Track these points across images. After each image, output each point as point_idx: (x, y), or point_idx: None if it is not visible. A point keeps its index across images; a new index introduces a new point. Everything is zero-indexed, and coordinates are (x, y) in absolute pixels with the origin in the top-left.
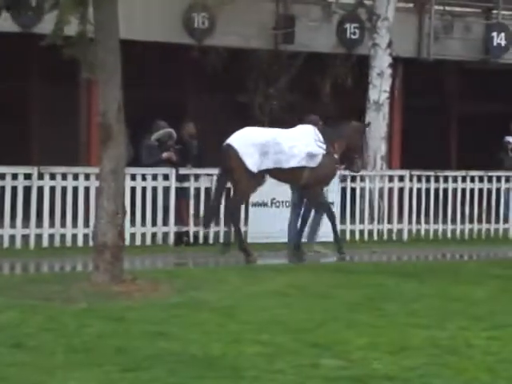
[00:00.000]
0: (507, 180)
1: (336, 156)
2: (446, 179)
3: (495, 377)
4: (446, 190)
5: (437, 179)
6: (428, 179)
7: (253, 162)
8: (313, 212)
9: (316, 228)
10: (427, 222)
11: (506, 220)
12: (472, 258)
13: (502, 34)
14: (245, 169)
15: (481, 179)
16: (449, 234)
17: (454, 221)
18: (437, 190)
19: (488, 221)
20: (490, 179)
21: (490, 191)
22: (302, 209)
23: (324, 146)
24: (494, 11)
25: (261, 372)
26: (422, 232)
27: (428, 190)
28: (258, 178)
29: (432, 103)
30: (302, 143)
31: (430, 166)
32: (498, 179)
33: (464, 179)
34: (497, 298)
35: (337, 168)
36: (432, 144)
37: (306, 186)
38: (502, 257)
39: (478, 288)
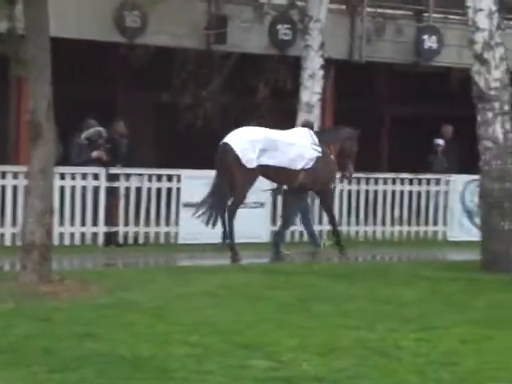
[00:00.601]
0: (437, 183)
1: (332, 157)
2: (376, 181)
3: (424, 378)
4: (376, 192)
5: (367, 181)
6: (359, 181)
7: (250, 159)
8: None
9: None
10: (358, 223)
11: (435, 222)
12: (402, 259)
13: (434, 37)
14: (241, 166)
15: (411, 182)
16: (379, 236)
17: (384, 223)
18: (367, 192)
19: (418, 223)
20: (419, 182)
21: (419, 194)
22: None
23: (319, 149)
24: (426, 14)
25: (190, 373)
26: (352, 234)
27: (358, 192)
28: (255, 175)
29: (364, 105)
30: (299, 145)
31: (361, 167)
32: (428, 182)
33: (394, 181)
34: (426, 299)
35: (335, 169)
36: (363, 146)
37: (300, 187)
38: (432, 259)
39: (408, 290)
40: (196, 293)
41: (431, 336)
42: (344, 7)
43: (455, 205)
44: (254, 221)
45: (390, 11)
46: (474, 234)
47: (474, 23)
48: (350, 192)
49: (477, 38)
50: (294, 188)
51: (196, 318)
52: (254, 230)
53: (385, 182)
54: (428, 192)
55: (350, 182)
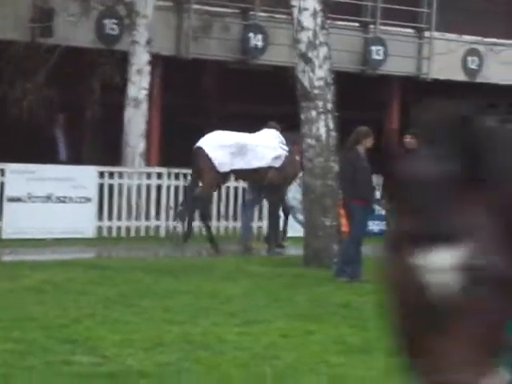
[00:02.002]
0: None
1: (297, 157)
2: None
3: (247, 372)
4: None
5: None
6: (186, 177)
7: (222, 163)
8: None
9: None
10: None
11: (260, 218)
12: (227, 254)
13: (259, 36)
14: (212, 168)
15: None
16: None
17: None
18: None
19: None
20: None
21: (244, 190)
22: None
23: (287, 149)
24: (252, 12)
25: (11, 369)
26: (180, 229)
27: (185, 188)
28: (225, 178)
29: (192, 102)
30: (268, 146)
31: (189, 163)
32: None
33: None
34: (250, 294)
35: (299, 168)
36: (191, 142)
37: (269, 184)
38: (256, 254)
39: (232, 285)
40: (19, 289)
41: (254, 330)
42: (171, 4)
43: None
44: (79, 216)
45: (216, 9)
46: (298, 230)
47: (299, 22)
48: (177, 188)
49: (301, 37)
50: (265, 185)
51: (19, 314)
52: (80, 225)
53: None
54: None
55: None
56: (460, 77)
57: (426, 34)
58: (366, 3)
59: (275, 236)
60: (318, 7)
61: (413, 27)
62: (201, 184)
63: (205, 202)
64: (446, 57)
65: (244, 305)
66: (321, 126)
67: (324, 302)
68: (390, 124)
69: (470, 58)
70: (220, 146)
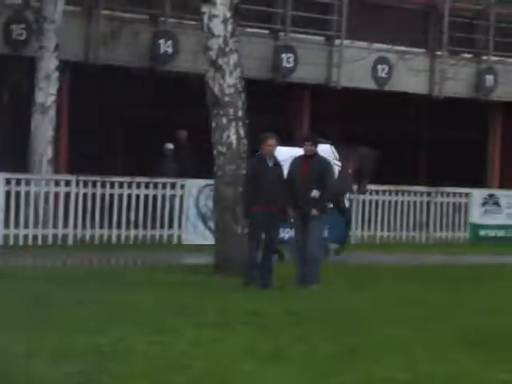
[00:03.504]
0: (172, 187)
1: (350, 171)
2: (112, 185)
3: (156, 382)
4: (112, 196)
5: (103, 184)
6: (94, 184)
7: None
8: None
9: None
10: (93, 226)
11: (170, 226)
12: (137, 263)
13: (169, 42)
14: None
15: (147, 185)
16: (114, 240)
17: (119, 226)
18: (103, 196)
19: (153, 227)
20: (155, 185)
21: (155, 197)
22: None
23: (339, 163)
24: (161, 18)
25: None
26: (88, 237)
27: (94, 195)
28: None
29: (100, 108)
30: None
31: (97, 171)
32: (164, 186)
33: (130, 185)
34: (159, 303)
35: (351, 183)
36: (99, 149)
37: None
38: (167, 262)
39: (142, 293)
40: None
41: (164, 339)
42: (80, 9)
43: (190, 209)
44: None
45: (126, 15)
46: (209, 238)
47: (209, 29)
48: (85, 195)
49: (212, 44)
50: None
51: None
52: None
53: (120, 186)
54: (163, 196)
55: (85, 185)
56: (370, 85)
57: (336, 41)
58: (276, 10)
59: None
60: (229, 14)
61: (323, 35)
62: None
63: None
64: (355, 65)
65: (153, 314)
66: (231, 133)
67: (234, 310)
68: (300, 131)
69: (379, 66)
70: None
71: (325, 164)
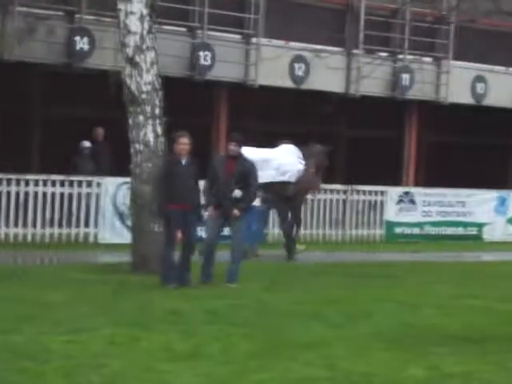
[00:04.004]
0: (88, 185)
1: (312, 171)
2: (27, 183)
3: (72, 381)
4: (27, 194)
5: (18, 182)
6: (9, 182)
7: None
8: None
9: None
10: (7, 225)
11: (87, 224)
12: (53, 262)
13: (86, 39)
14: None
15: (62, 183)
16: (29, 238)
17: (35, 225)
18: (18, 193)
19: (69, 225)
20: (71, 183)
21: (71, 195)
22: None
23: (303, 163)
24: (78, 15)
25: None
26: (2, 235)
27: (9, 193)
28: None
29: (15, 106)
30: (289, 161)
31: (16, 169)
32: (80, 184)
33: (45, 183)
34: (75, 302)
35: (315, 182)
36: (14, 146)
37: (291, 197)
38: (83, 261)
39: (57, 292)
40: None
41: (80, 338)
42: None
43: (107, 207)
44: None
45: (41, 11)
46: (126, 236)
47: (126, 26)
48: None
49: (128, 41)
50: (286, 198)
51: None
52: None
53: (36, 184)
54: (80, 194)
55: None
56: (287, 83)
57: (253, 40)
58: (193, 8)
59: (294, 243)
60: (145, 11)
61: (240, 33)
62: None
63: None
64: (273, 63)
65: (69, 313)
66: (149, 131)
67: (152, 309)
68: (217, 130)
69: (296, 65)
70: None
71: (249, 165)
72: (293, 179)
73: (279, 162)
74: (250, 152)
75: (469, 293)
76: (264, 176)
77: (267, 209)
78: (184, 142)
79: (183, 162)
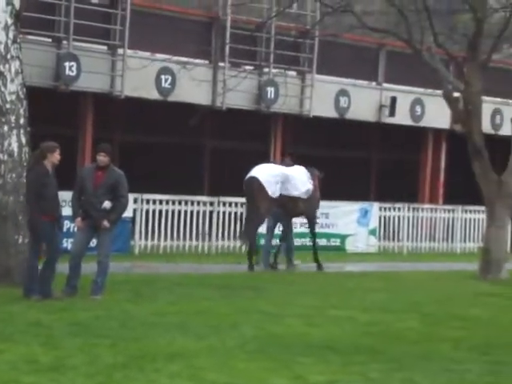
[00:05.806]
0: None
1: (317, 190)
2: None
3: None
4: None
5: None
6: None
7: (272, 190)
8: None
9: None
10: None
11: None
12: None
13: None
14: (266, 195)
15: None
16: None
17: None
18: None
19: None
20: None
21: None
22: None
23: (312, 182)
24: None
25: None
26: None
27: None
28: (276, 202)
29: None
30: (302, 179)
31: None
32: None
33: None
34: None
35: (318, 200)
36: None
37: (300, 213)
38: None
39: None
40: None
41: None
42: None
43: None
44: None
45: None
46: None
47: None
48: None
49: None
50: (296, 213)
51: None
52: None
53: None
54: None
55: None
56: (154, 95)
57: (119, 51)
58: (59, 19)
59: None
60: (10, 21)
61: (106, 44)
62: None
63: (256, 226)
64: (139, 74)
65: None
66: (13, 141)
67: (14, 321)
68: (83, 140)
69: (163, 77)
70: (271, 175)
71: (117, 175)
72: (304, 196)
73: (295, 179)
74: (273, 167)
75: (332, 303)
76: (281, 190)
77: (275, 222)
78: (59, 153)
79: (49, 172)
